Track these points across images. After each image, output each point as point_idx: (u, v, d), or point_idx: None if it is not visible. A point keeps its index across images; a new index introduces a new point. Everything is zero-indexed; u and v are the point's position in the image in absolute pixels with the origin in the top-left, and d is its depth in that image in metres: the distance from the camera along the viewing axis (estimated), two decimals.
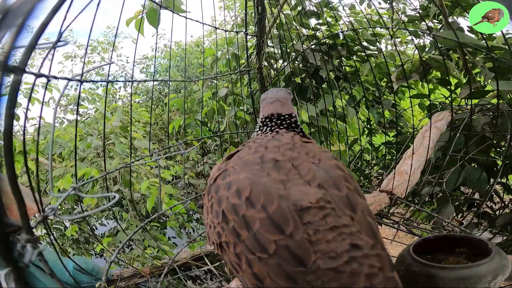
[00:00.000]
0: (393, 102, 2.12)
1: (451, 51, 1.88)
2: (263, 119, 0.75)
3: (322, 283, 0.47)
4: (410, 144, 1.53)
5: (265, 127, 0.73)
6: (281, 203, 0.52)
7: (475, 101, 1.64)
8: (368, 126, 2.57)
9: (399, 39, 2.67)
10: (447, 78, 1.70)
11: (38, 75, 0.58)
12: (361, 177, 2.53)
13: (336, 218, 0.51)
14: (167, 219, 2.77)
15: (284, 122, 0.72)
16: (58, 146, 2.59)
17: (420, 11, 1.99)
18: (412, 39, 2.18)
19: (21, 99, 2.25)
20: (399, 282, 0.49)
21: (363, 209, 0.55)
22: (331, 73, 2.12)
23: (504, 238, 1.26)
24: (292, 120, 0.74)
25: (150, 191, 2.18)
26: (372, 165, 2.73)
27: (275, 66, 2.43)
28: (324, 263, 0.47)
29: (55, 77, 0.66)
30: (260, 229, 0.50)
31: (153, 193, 2.19)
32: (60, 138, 2.49)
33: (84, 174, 2.09)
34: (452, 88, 2.13)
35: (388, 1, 1.98)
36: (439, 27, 2.02)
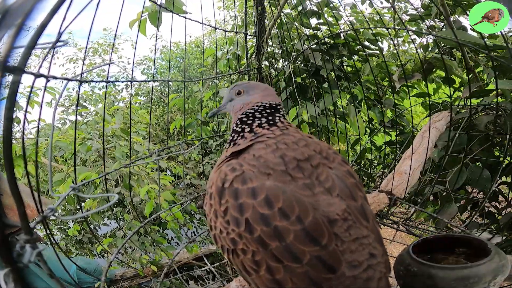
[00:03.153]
0: (394, 101, 2.10)
1: (454, 50, 1.87)
2: (269, 104, 0.73)
3: (343, 286, 0.52)
4: (411, 141, 1.52)
5: (264, 117, 0.70)
6: (315, 214, 0.54)
7: (477, 100, 1.63)
8: (370, 125, 2.56)
9: (401, 39, 2.65)
10: (449, 77, 1.69)
11: (38, 75, 0.58)
12: (364, 177, 2.52)
13: (357, 230, 0.56)
14: (167, 220, 2.77)
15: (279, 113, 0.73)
16: (59, 149, 2.57)
17: (422, 10, 1.98)
18: (413, 39, 2.17)
19: (23, 102, 2.23)
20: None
21: (373, 218, 0.60)
22: (332, 72, 2.11)
23: (504, 238, 1.26)
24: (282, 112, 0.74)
25: (150, 195, 2.16)
26: (375, 164, 2.72)
27: (276, 66, 2.43)
28: (349, 271, 0.52)
29: (54, 77, 0.66)
30: (294, 240, 0.52)
31: (153, 197, 2.17)
32: (60, 141, 2.48)
33: (85, 178, 2.07)
34: (456, 86, 2.11)
35: (390, 1, 1.98)
36: (441, 25, 2.01)
